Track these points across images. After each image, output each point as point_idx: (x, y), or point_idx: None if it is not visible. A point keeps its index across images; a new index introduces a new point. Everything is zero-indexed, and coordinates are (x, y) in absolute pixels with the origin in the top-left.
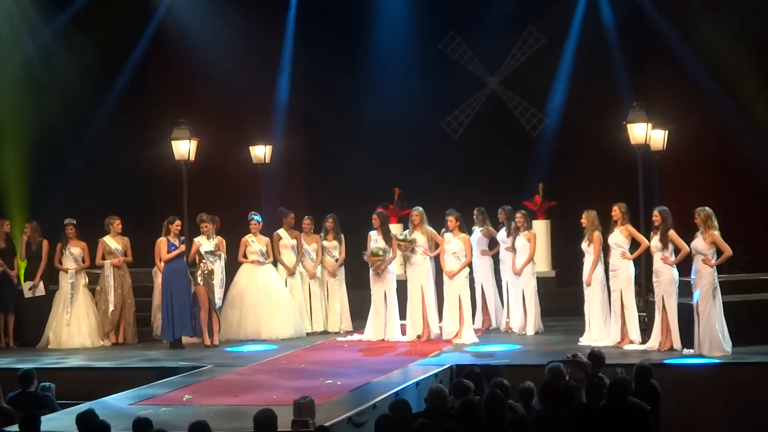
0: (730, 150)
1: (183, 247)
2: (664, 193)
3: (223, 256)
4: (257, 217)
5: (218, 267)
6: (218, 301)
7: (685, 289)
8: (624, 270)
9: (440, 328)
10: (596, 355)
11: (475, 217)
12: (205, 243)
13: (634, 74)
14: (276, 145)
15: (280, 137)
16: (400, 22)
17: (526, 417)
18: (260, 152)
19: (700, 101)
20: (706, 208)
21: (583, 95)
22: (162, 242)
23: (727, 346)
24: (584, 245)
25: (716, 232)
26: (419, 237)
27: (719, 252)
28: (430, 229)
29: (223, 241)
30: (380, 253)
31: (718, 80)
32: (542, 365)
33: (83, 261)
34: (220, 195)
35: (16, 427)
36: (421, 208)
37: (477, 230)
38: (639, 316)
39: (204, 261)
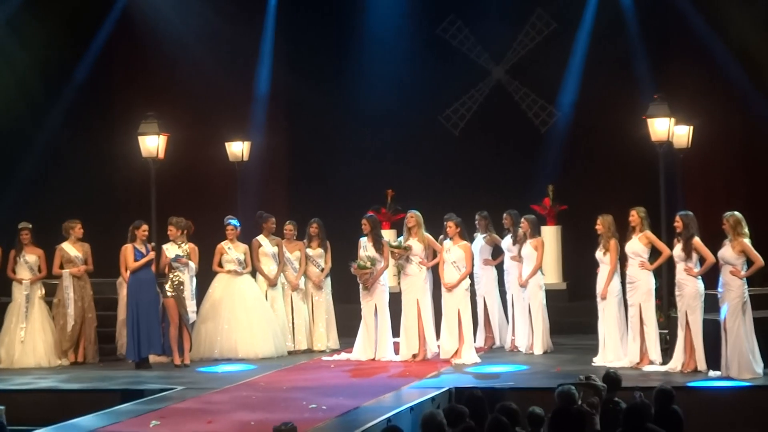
0: (763, 148)
1: (152, 255)
2: (688, 197)
3: (192, 264)
4: (234, 222)
5: (188, 277)
6: (191, 315)
7: (711, 304)
8: (643, 282)
9: (438, 346)
10: (611, 378)
11: (477, 222)
12: (173, 250)
13: (656, 63)
14: (255, 141)
15: (259, 133)
16: (393, 5)
17: None
18: (237, 149)
19: (729, 94)
20: (735, 213)
21: (599, 87)
22: (128, 249)
23: (758, 367)
24: (599, 254)
25: (746, 240)
26: (415, 244)
27: (749, 262)
28: (428, 235)
29: (196, 248)
30: (368, 265)
31: (748, 70)
32: (552, 388)
33: (39, 270)
34: (193, 197)
35: None
36: (417, 212)
37: (479, 237)
38: (660, 334)
39: (174, 271)
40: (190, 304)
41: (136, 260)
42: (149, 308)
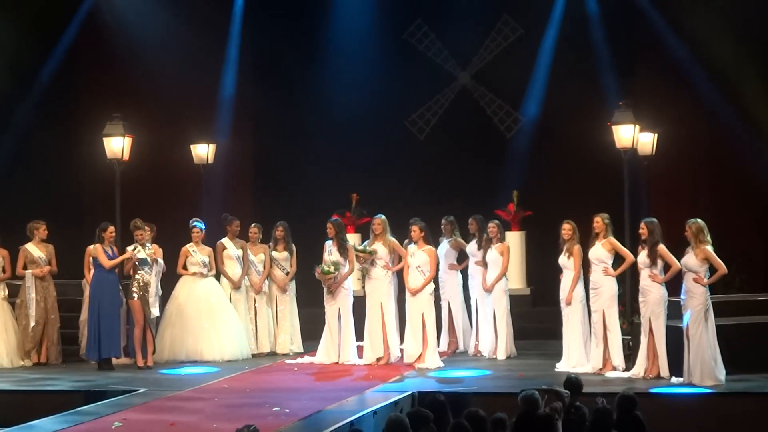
0: (727, 157)
1: (129, 254)
2: (652, 203)
3: (160, 261)
4: (199, 225)
5: (154, 278)
6: (154, 312)
7: (674, 311)
8: (607, 288)
9: (401, 350)
10: (573, 382)
11: (442, 227)
12: (139, 252)
13: (621, 70)
14: (220, 144)
15: (225, 136)
16: (360, 10)
17: None
18: (203, 151)
19: (695, 102)
20: (699, 220)
21: (564, 93)
22: (98, 249)
23: (720, 374)
24: (563, 260)
25: (709, 248)
26: (380, 248)
27: (712, 269)
28: (393, 239)
29: (160, 250)
30: (332, 269)
31: (714, 79)
32: (515, 394)
33: (3, 271)
34: (158, 199)
35: None
36: (383, 216)
37: (444, 242)
38: (623, 340)
39: (140, 272)
40: (154, 305)
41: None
42: (111, 309)
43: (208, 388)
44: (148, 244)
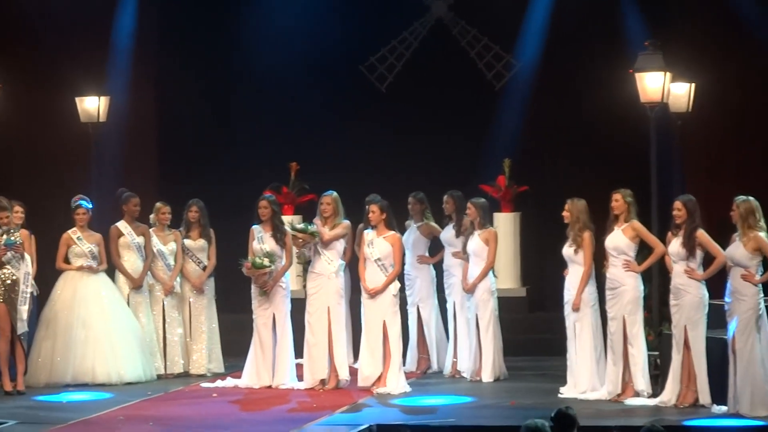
0: None
1: None
2: (688, 176)
3: (27, 258)
4: (85, 204)
5: (22, 274)
6: (21, 325)
7: (717, 318)
8: (628, 288)
9: (354, 370)
10: (562, 416)
11: (410, 207)
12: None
13: (647, 0)
14: (115, 97)
15: (120, 87)
16: None
17: None
18: (91, 106)
19: (744, 41)
20: (749, 198)
21: (572, 30)
22: None
23: None
24: (569, 251)
25: (763, 234)
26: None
27: (767, 264)
28: (347, 223)
29: (32, 238)
30: (265, 262)
31: None
32: (505, 428)
33: None
34: (30, 168)
35: None
36: (334, 194)
37: (413, 226)
38: (649, 357)
39: (5, 266)
40: (22, 311)
41: None
42: None
43: (99, 420)
44: (15, 231)
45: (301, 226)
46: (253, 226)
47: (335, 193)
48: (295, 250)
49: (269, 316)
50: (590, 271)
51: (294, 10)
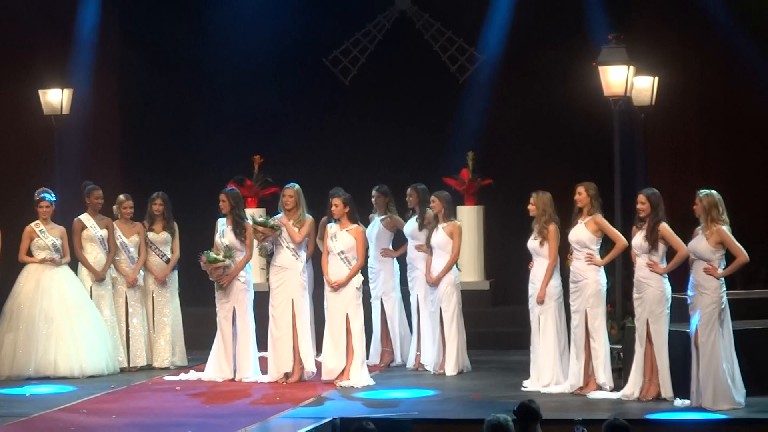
0: (750, 107)
1: None
2: (651, 170)
3: None
4: (48, 196)
5: None
6: None
7: (679, 311)
8: (591, 281)
9: (318, 363)
10: (525, 410)
11: (373, 200)
12: None
13: None
14: (78, 89)
15: (84, 79)
16: None
17: None
18: (55, 98)
19: (707, 36)
20: (712, 192)
21: (535, 23)
22: None
23: (739, 395)
24: (534, 243)
25: (725, 228)
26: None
27: (729, 257)
28: (309, 217)
29: None
30: (220, 256)
31: (733, 4)
32: (469, 421)
33: None
34: None
35: None
36: (296, 186)
37: (376, 219)
38: (612, 350)
39: None
40: None
41: None
42: None
43: (62, 413)
44: None
45: (261, 219)
46: (219, 219)
47: (297, 186)
48: (256, 243)
49: (230, 310)
50: (555, 264)
51: (257, 2)
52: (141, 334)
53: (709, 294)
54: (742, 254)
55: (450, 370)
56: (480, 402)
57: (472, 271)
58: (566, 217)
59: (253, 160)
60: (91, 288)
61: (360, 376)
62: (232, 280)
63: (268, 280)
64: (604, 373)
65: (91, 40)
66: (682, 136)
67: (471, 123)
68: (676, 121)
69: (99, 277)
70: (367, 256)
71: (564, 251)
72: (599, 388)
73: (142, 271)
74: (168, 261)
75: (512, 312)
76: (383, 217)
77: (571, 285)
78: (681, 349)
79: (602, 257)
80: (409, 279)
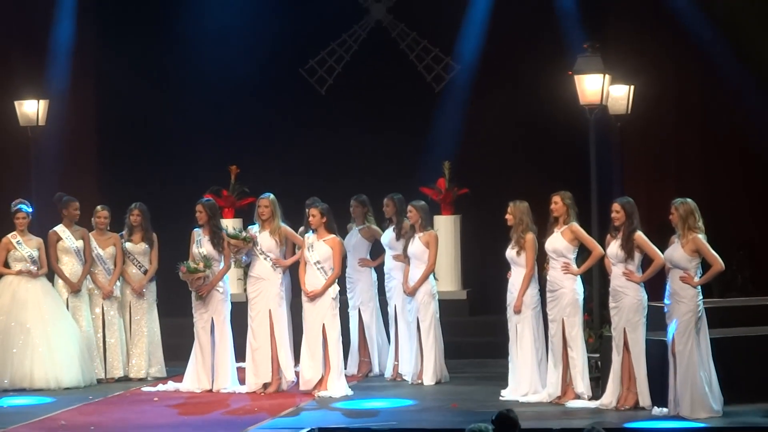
0: (726, 115)
1: None
2: (627, 178)
3: None
4: (24, 208)
5: None
6: None
7: (656, 320)
8: (567, 291)
9: (296, 374)
10: (504, 419)
11: (351, 209)
12: None
13: (587, 2)
14: (54, 100)
15: (60, 90)
16: None
17: None
18: (31, 110)
19: (682, 45)
20: (688, 200)
21: (511, 32)
22: None
23: (716, 404)
24: (511, 253)
25: (701, 237)
26: (265, 238)
27: (705, 266)
28: (285, 227)
29: None
30: (200, 267)
31: (708, 14)
32: (448, 431)
33: None
34: None
35: None
36: (272, 196)
37: (354, 229)
38: (589, 359)
39: None
40: None
41: None
42: None
43: (40, 424)
44: None
45: (233, 232)
46: (195, 230)
47: (272, 196)
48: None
49: (208, 320)
50: (532, 273)
51: (232, 12)
52: (117, 345)
53: (685, 302)
54: (718, 262)
55: (428, 379)
56: (458, 411)
57: (449, 281)
58: (543, 226)
59: (230, 171)
60: (67, 299)
61: (338, 387)
62: (210, 291)
63: (245, 290)
64: (582, 382)
65: (66, 51)
66: (658, 144)
67: (447, 132)
68: (652, 130)
69: (75, 289)
70: (344, 266)
71: (541, 260)
72: (577, 397)
73: (119, 282)
74: (146, 272)
75: (490, 321)
76: (361, 227)
77: (548, 294)
78: (658, 357)
79: (579, 266)
80: (386, 289)
